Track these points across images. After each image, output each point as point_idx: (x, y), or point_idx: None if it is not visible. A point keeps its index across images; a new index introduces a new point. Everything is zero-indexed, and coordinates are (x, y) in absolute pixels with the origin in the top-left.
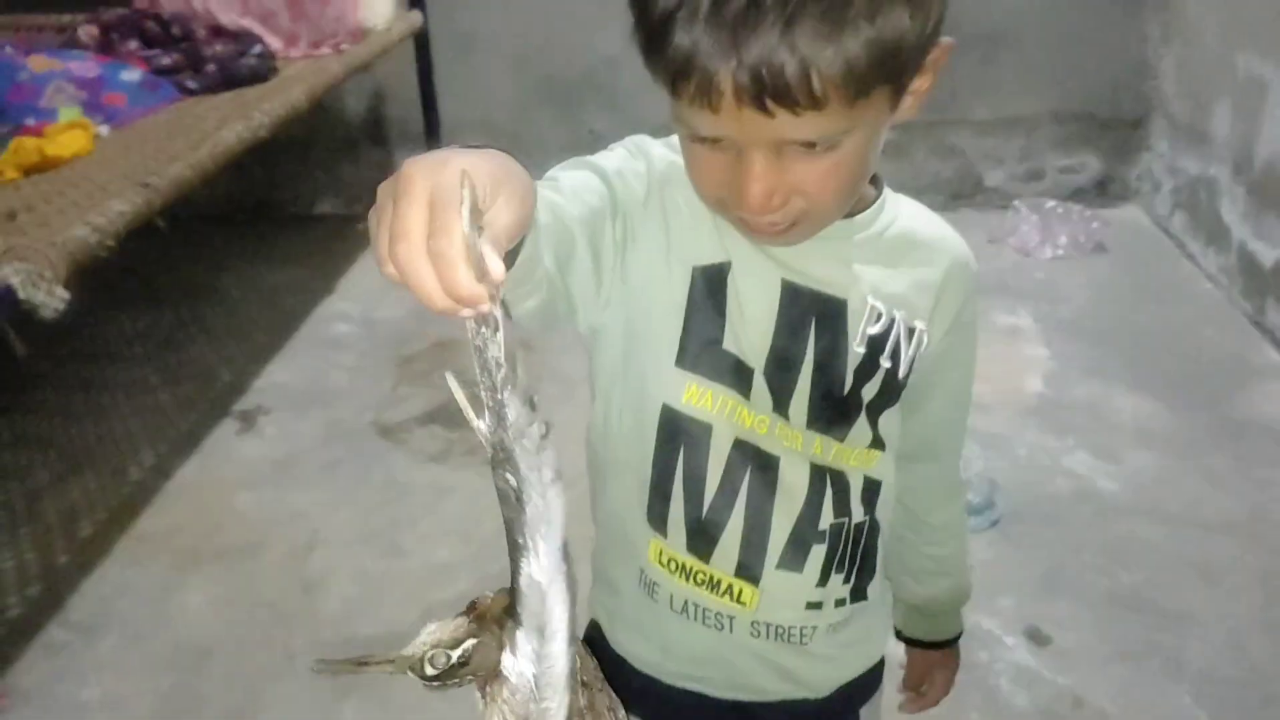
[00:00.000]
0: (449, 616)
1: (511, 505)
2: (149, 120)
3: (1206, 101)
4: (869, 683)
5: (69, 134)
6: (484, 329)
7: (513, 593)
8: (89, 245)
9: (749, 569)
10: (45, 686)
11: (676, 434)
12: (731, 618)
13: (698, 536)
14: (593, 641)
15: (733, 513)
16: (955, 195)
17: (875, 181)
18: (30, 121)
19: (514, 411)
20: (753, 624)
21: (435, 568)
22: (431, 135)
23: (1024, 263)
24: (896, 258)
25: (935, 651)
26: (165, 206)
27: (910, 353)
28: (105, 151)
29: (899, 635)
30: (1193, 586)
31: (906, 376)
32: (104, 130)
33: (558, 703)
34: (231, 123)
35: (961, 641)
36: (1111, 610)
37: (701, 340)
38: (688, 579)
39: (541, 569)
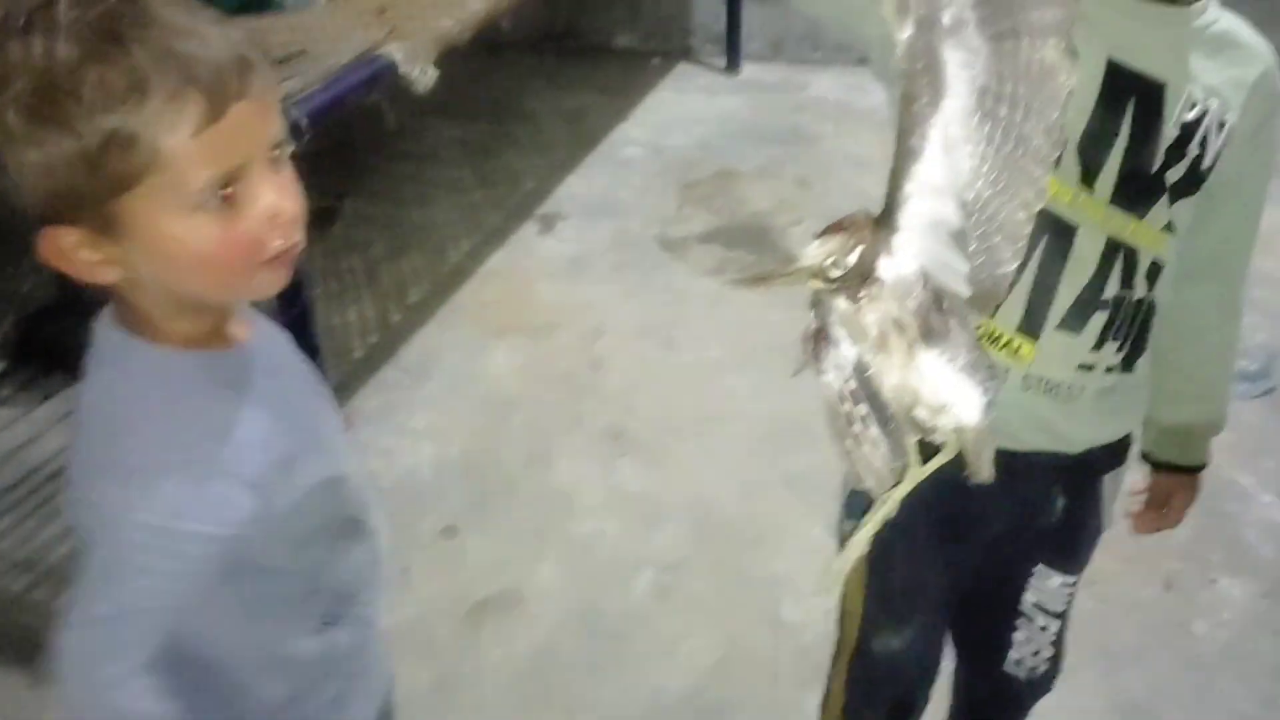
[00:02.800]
0: (821, 233)
1: (916, 100)
2: None
3: None
4: (1117, 452)
5: None
6: None
7: (891, 200)
8: (453, 34)
9: (1030, 326)
10: (382, 413)
11: None
12: (1007, 369)
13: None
14: None
15: (1023, 274)
16: None
17: None
18: None
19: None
20: (1025, 377)
21: (707, 362)
22: None
23: None
24: (1216, 52)
25: (1182, 475)
26: (510, 8)
27: (1218, 144)
28: None
29: (1145, 458)
30: None
31: (1210, 168)
32: None
33: (931, 291)
34: None
35: (1213, 492)
36: None
37: None
38: None
39: (932, 171)
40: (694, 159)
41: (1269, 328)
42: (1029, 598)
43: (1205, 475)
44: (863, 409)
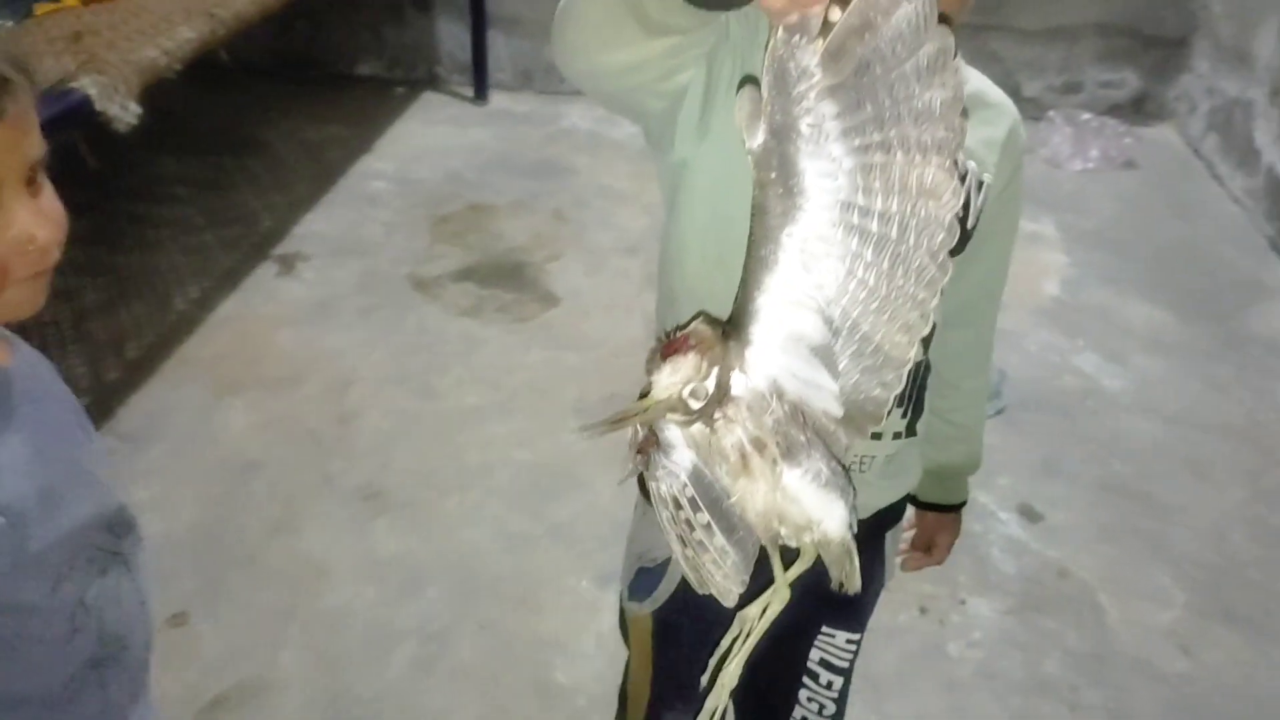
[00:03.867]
0: (655, 357)
1: (768, 212)
2: None
3: (1253, 22)
4: (898, 511)
5: None
6: (796, 37)
7: (742, 312)
8: (159, 66)
9: None
10: None
11: None
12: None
13: None
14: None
15: None
16: None
17: None
18: None
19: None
20: None
21: (465, 410)
22: (477, 3)
23: (1053, 174)
24: (971, 113)
25: (944, 515)
26: (229, 38)
27: (979, 204)
28: None
29: (911, 500)
30: (1183, 480)
31: (974, 228)
32: None
33: (789, 406)
34: None
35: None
36: (1103, 495)
37: None
38: None
39: (784, 282)
40: (445, 193)
41: (997, 349)
42: (815, 655)
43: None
44: (703, 517)
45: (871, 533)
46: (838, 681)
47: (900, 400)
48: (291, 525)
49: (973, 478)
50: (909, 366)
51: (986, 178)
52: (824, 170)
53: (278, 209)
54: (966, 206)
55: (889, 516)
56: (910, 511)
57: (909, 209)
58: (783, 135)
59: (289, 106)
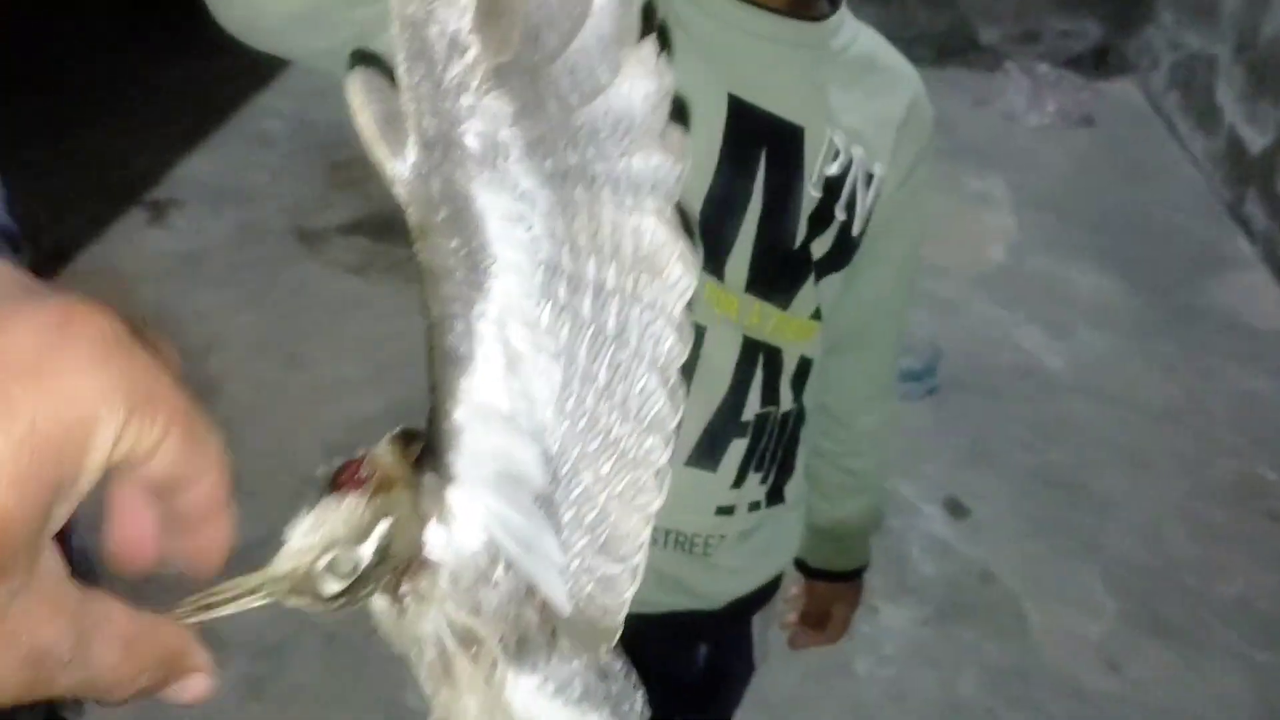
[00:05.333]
0: (322, 492)
1: (447, 274)
2: None
3: None
4: (766, 592)
5: None
6: None
7: (437, 431)
8: None
9: None
10: None
11: None
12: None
13: None
14: None
15: None
16: (944, 51)
17: None
18: None
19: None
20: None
21: (336, 382)
22: None
23: (1008, 129)
24: (855, 82)
25: (839, 584)
26: None
27: (867, 204)
28: None
29: (799, 565)
30: (1120, 470)
31: (861, 234)
32: None
33: (517, 580)
34: None
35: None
36: (1035, 487)
37: None
38: None
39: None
40: (347, 135)
41: (934, 322)
42: None
43: None
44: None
45: (730, 620)
46: None
47: (758, 461)
48: None
49: (897, 465)
50: (640, 564)
51: (878, 168)
52: (511, 211)
53: (153, 149)
54: (851, 206)
55: (755, 600)
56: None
57: (629, 285)
58: (441, 153)
59: (173, 38)
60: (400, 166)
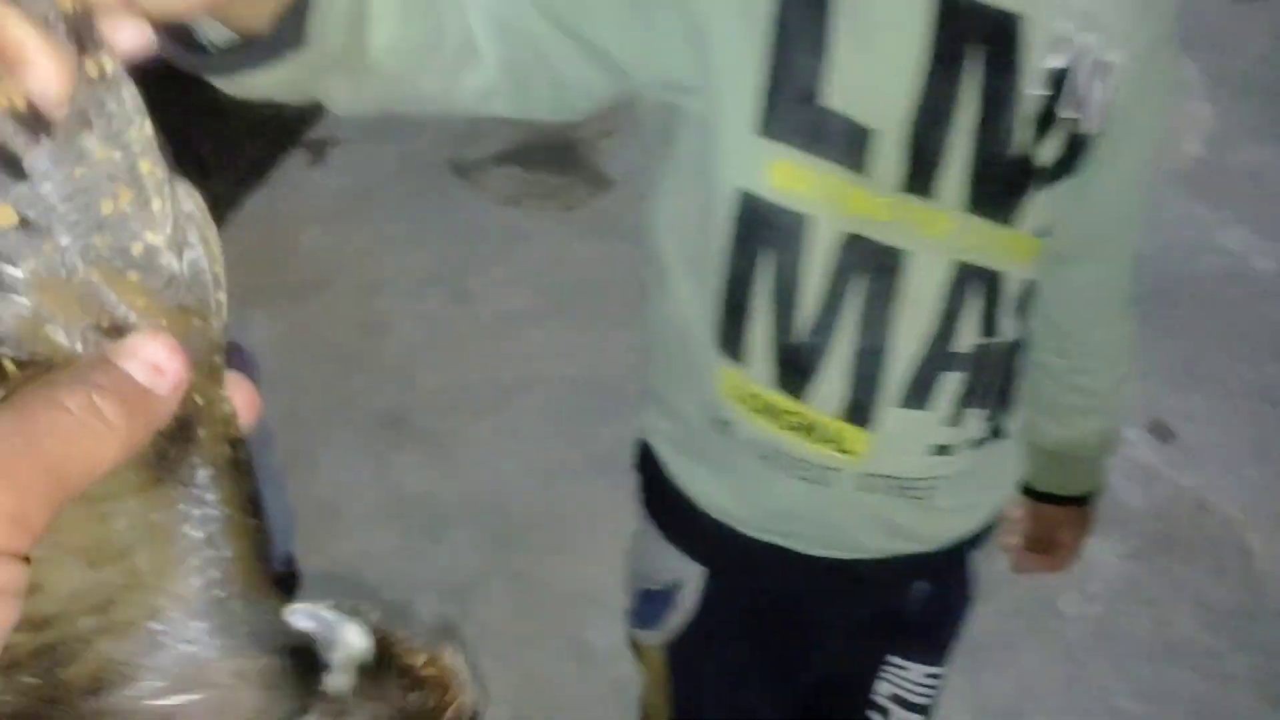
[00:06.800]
0: None
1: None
2: None
3: None
4: (989, 526)
5: None
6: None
7: None
8: None
9: (859, 409)
10: None
11: (758, 231)
12: (833, 470)
13: (789, 367)
14: (646, 472)
15: (837, 334)
16: None
17: None
18: None
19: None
20: (861, 477)
21: (505, 316)
22: None
23: (1198, 3)
24: None
25: (1068, 508)
26: None
27: (1103, 97)
28: None
29: (1024, 489)
30: None
31: (1095, 134)
32: None
33: None
34: None
35: None
36: (1251, 404)
37: (794, 92)
38: (774, 421)
39: None
40: None
41: None
42: (884, 689)
43: None
44: None
45: (949, 557)
46: None
47: (977, 397)
48: (305, 457)
49: None
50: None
51: (1114, 55)
52: None
53: None
54: (1082, 102)
55: (975, 538)
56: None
57: None
58: None
59: None
60: None
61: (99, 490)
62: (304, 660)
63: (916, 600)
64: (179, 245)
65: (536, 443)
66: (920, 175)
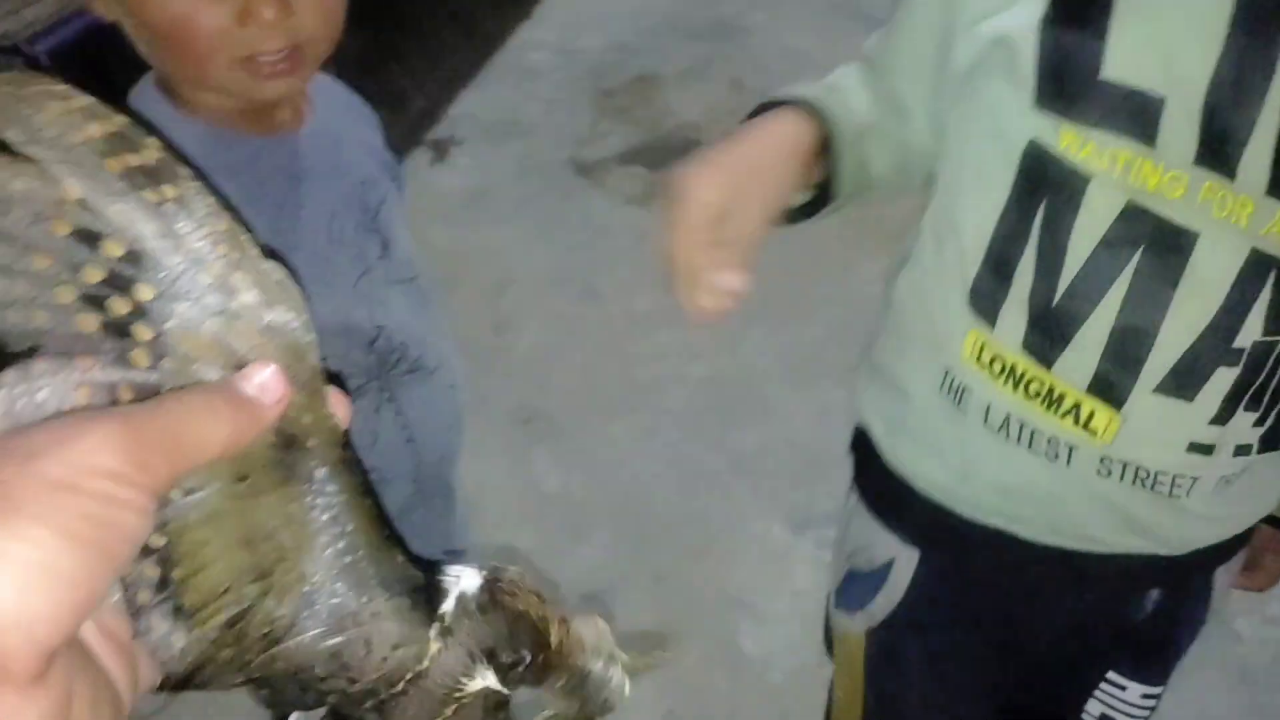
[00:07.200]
0: None
1: None
2: None
3: None
4: (1240, 540)
5: None
6: None
7: None
8: None
9: (1111, 386)
10: None
11: (1042, 181)
12: (1073, 447)
13: (1042, 329)
14: (860, 452)
15: (1101, 303)
16: None
17: None
18: None
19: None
20: (1103, 460)
21: (633, 316)
22: None
23: None
24: None
25: (1276, 530)
26: None
27: None
28: None
29: None
30: None
31: None
32: None
33: None
34: None
35: None
36: None
37: (1075, 67)
38: (1016, 387)
39: None
40: (610, 63)
41: None
42: (1094, 709)
43: None
44: None
45: (1190, 569)
46: None
47: (1251, 400)
48: None
49: None
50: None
51: None
52: None
53: (430, 88)
54: None
55: (1222, 551)
56: None
57: None
58: None
59: None
60: None
61: (247, 491)
62: (428, 596)
63: (1147, 610)
64: (270, 304)
65: (674, 444)
66: (1218, 151)
